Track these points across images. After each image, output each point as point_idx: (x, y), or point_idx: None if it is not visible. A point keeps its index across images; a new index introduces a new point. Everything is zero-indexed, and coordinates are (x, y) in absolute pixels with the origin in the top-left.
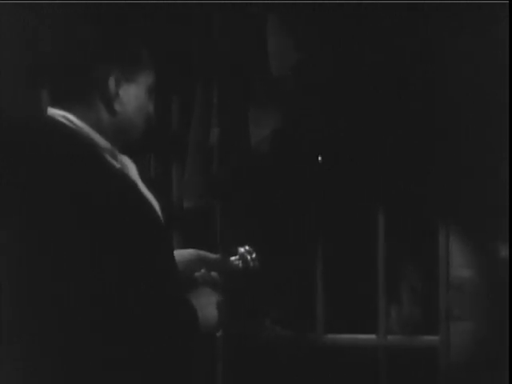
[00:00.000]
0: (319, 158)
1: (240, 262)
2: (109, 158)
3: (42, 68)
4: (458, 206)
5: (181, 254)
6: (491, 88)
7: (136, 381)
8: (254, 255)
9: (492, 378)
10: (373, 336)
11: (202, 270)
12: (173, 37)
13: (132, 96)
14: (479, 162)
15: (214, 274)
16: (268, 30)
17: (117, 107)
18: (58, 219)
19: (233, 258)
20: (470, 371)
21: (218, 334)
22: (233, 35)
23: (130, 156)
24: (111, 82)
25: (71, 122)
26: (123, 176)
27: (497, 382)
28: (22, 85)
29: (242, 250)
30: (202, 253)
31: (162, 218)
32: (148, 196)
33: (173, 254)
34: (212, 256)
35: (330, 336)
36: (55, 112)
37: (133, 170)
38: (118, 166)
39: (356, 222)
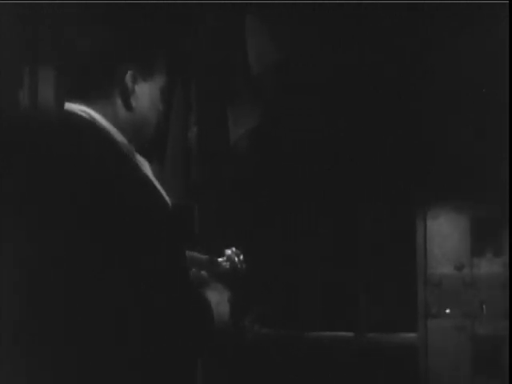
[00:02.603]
0: None
1: (228, 263)
2: (127, 153)
3: (61, 64)
4: (459, 206)
5: None
6: (491, 88)
7: (138, 379)
8: (241, 257)
9: (473, 374)
10: (351, 333)
11: (193, 270)
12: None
13: (147, 93)
14: (479, 162)
15: (203, 273)
16: (247, 30)
17: (133, 103)
18: (82, 212)
19: (220, 260)
20: (448, 367)
21: None
22: (212, 34)
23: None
24: (128, 78)
25: (91, 116)
26: (141, 171)
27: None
28: (22, 84)
29: (229, 251)
30: (191, 253)
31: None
32: (162, 193)
33: (184, 250)
34: (200, 257)
35: (310, 333)
36: (74, 107)
37: (146, 167)
38: (134, 161)
39: (337, 220)
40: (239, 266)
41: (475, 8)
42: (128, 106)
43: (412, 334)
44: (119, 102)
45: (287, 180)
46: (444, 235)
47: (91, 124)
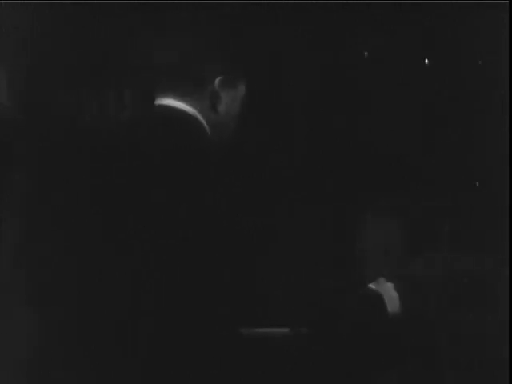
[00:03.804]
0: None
1: None
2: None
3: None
4: (399, 206)
5: None
6: (491, 88)
7: None
8: None
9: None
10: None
11: None
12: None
13: (231, 100)
14: (479, 162)
15: None
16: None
17: (218, 107)
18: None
19: None
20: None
21: None
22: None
23: None
24: (217, 83)
25: (195, 115)
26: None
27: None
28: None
29: None
30: None
31: None
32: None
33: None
34: None
35: (244, 329)
36: (178, 104)
37: None
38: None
39: (279, 220)
40: None
41: (475, 8)
42: (215, 110)
43: None
44: (207, 103)
45: (233, 181)
46: (384, 235)
47: (198, 123)
